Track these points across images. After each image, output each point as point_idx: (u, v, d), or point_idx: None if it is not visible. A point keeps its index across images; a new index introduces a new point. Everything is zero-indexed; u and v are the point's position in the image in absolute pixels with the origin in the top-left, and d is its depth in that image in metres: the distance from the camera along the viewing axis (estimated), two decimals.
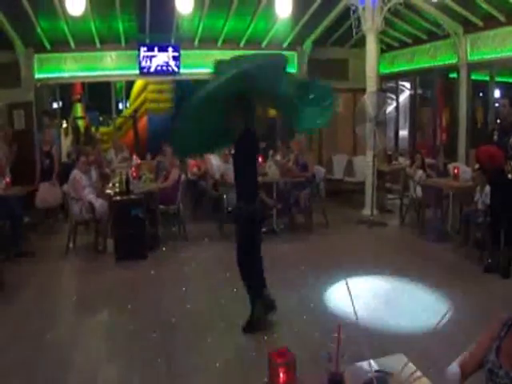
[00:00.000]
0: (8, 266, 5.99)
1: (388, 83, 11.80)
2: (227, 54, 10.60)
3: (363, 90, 8.70)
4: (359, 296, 4.09)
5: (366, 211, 8.61)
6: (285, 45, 11.19)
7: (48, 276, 6.07)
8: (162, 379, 3.65)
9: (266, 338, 4.20)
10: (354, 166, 10.53)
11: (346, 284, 1.76)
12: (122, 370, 3.85)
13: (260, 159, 9.12)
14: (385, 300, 4.92)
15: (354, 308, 1.68)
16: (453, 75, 9.76)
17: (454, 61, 9.37)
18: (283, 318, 4.60)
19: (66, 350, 4.08)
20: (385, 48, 11.17)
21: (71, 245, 7.02)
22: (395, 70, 11.27)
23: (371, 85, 8.53)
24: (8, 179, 7.20)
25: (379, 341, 3.34)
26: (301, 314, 4.72)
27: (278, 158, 8.77)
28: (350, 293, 1.73)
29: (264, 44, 10.99)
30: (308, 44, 11.13)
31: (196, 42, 10.43)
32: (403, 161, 9.95)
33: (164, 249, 7.04)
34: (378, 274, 5.69)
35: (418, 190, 7.80)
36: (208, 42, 10.44)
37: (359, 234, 7.80)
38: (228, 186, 7.46)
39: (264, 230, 7.63)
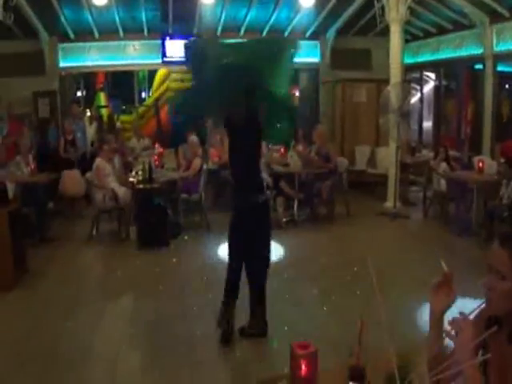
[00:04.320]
0: (33, 252, 6.08)
1: (412, 74, 11.63)
2: None
3: (387, 81, 8.59)
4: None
5: (389, 203, 8.53)
6: (308, 34, 11.11)
7: (71, 262, 6.17)
8: (183, 367, 3.68)
9: (286, 328, 4.21)
10: (376, 157, 10.42)
11: (372, 275, 1.74)
12: (142, 357, 3.90)
13: (282, 150, 9.12)
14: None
15: (378, 299, 1.67)
16: (478, 66, 9.56)
17: (479, 51, 9.16)
18: (304, 310, 4.61)
19: (88, 337, 4.14)
20: (409, 38, 10.98)
21: (94, 232, 7.10)
22: (420, 60, 11.11)
23: (395, 75, 8.41)
24: (33, 166, 7.32)
25: (401, 334, 3.32)
26: (321, 305, 4.71)
27: (300, 148, 8.72)
28: (374, 283, 1.71)
29: (287, 33, 10.92)
30: (331, 33, 11.03)
31: (218, 32, 10.41)
32: (427, 153, 9.82)
33: (186, 237, 7.08)
34: (399, 267, 5.66)
35: (442, 182, 7.69)
36: (230, 31, 10.41)
37: (381, 226, 7.73)
38: None
39: (285, 219, 7.71)
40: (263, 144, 9.44)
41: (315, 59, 11.52)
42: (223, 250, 6.45)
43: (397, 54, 8.48)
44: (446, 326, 1.52)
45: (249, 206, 3.92)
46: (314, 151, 8.12)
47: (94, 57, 10.47)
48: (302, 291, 5.13)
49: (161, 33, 10.37)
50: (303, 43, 11.19)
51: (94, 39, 10.24)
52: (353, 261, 5.74)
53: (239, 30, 10.55)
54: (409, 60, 10.94)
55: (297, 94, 12.33)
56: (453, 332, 1.47)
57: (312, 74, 11.92)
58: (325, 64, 11.40)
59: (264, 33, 10.64)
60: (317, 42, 11.38)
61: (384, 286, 1.73)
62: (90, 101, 13.21)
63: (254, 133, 3.89)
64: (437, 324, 1.64)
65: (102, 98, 13.93)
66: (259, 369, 3.60)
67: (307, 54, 11.29)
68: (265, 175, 7.58)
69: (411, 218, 8.14)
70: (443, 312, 1.64)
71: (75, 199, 8.33)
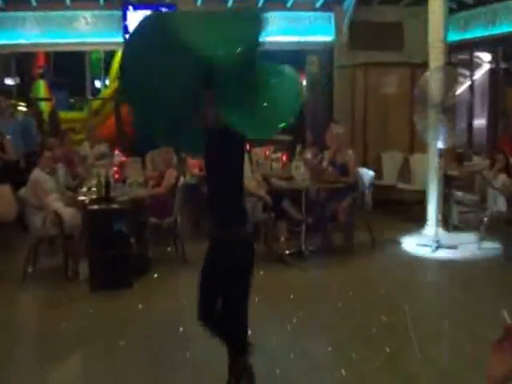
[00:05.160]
0: None
1: (459, 55, 11.78)
2: None
3: (424, 65, 8.69)
4: None
5: (429, 229, 8.56)
6: (318, 4, 11.24)
7: None
8: None
9: None
10: (411, 167, 10.49)
11: None
12: None
13: (284, 158, 9.20)
14: None
15: None
16: None
17: None
18: (314, 372, 4.63)
19: None
20: (455, 7, 11.13)
21: (30, 269, 7.05)
22: (469, 36, 11.23)
23: (436, 57, 8.50)
24: None
25: None
26: (337, 366, 4.74)
27: (309, 156, 8.79)
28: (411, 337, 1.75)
29: (290, 3, 11.05)
30: (349, 2, 11.14)
31: (199, 1, 10.52)
32: (479, 161, 9.87)
33: (156, 275, 7.07)
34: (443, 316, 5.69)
35: (501, 200, 7.73)
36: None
37: (419, 262, 7.75)
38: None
39: (289, 251, 7.74)
40: (260, 149, 9.60)
41: (328, 37, 11.65)
42: None
43: (438, 28, 8.58)
44: None
45: (222, 241, 3.89)
46: (326, 160, 8.17)
47: (31, 32, 10.52)
48: (313, 346, 5.14)
49: (121, 0, 10.47)
50: (312, 15, 11.40)
51: (30, 8, 10.30)
52: (379, 307, 5.74)
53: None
54: (454, 36, 11.07)
55: (303, 83, 12.44)
56: None
57: (324, 56, 12.03)
58: (341, 43, 11.52)
59: (260, 3, 10.77)
60: (330, 14, 11.51)
61: (422, 342, 1.77)
62: (24, 91, 13.25)
63: (229, 144, 3.77)
64: None
65: (42, 88, 13.99)
66: None
67: (317, 31, 11.44)
68: (261, 192, 7.68)
69: (459, 248, 8.17)
70: (507, 378, 1.67)
71: (3, 224, 8.32)
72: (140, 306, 6.10)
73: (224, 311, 4.04)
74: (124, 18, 10.41)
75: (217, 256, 3.96)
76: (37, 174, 7.15)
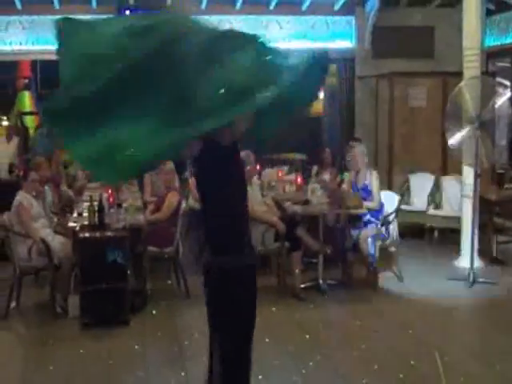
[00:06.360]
0: None
1: (498, 62, 11.79)
2: (250, 21, 10.92)
3: (458, 75, 8.72)
4: None
5: (464, 261, 8.53)
6: (337, 7, 11.31)
7: None
8: None
9: None
10: (443, 191, 10.48)
11: None
12: None
13: (298, 179, 9.22)
14: None
15: None
16: None
17: None
18: None
19: None
20: (493, 7, 11.17)
21: (13, 304, 7.05)
22: (510, 41, 11.22)
23: (472, 66, 8.52)
24: None
25: None
26: None
27: (327, 177, 8.82)
28: None
29: (305, 6, 11.12)
30: (373, 3, 11.18)
31: (204, 4, 10.64)
32: None
33: (154, 311, 7.07)
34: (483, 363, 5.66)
35: None
36: (222, 3, 10.66)
37: (452, 298, 7.68)
38: (251, 220, 7.52)
39: (304, 285, 7.74)
40: (272, 170, 9.61)
41: (348, 43, 11.75)
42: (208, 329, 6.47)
43: (474, 32, 8.59)
44: None
45: (214, 269, 3.84)
46: (347, 182, 8.20)
47: (16, 37, 10.65)
48: None
49: (117, 3, 10.60)
50: (330, 20, 11.49)
51: (15, 11, 10.42)
52: (408, 352, 5.71)
53: (234, 1, 10.77)
54: (493, 42, 11.12)
55: (321, 96, 12.45)
56: None
57: (344, 65, 12.09)
58: (363, 50, 11.58)
59: (271, 6, 10.85)
60: (351, 18, 11.60)
61: None
62: (7, 104, 13.39)
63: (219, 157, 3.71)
64: None
65: (28, 101, 14.12)
66: None
67: (336, 37, 11.52)
68: (273, 218, 7.69)
69: (499, 283, 8.13)
70: None
71: None
72: (136, 346, 6.09)
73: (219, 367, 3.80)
74: None
75: (209, 289, 3.87)
76: (22, 197, 7.14)
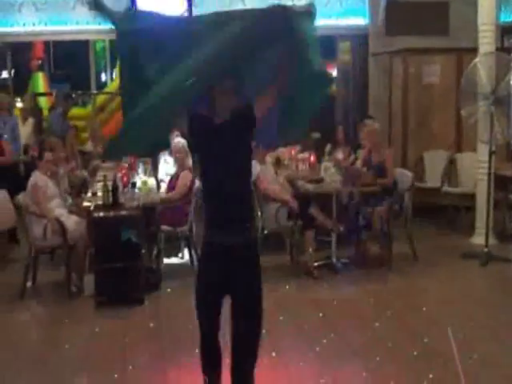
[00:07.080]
0: None
1: None
2: None
3: (473, 51, 8.64)
4: None
5: (478, 239, 8.52)
6: None
7: None
8: None
9: None
10: (457, 168, 10.43)
11: None
12: None
13: (311, 158, 9.20)
14: None
15: None
16: None
17: None
18: None
19: None
20: None
21: (29, 284, 7.12)
22: None
23: (487, 41, 8.44)
24: None
25: None
26: None
27: (340, 156, 8.79)
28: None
29: None
30: None
31: None
32: None
33: (169, 290, 7.12)
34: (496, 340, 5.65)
35: None
36: None
37: (466, 275, 7.68)
38: (264, 198, 7.53)
39: (318, 263, 7.75)
40: (285, 149, 9.58)
41: (361, 20, 11.65)
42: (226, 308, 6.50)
43: (489, 8, 8.49)
44: None
45: (230, 245, 3.79)
46: (360, 160, 8.17)
47: (29, 19, 10.64)
48: (344, 371, 5.11)
49: None
50: None
51: None
52: (421, 327, 5.72)
53: None
54: (508, 17, 11.01)
55: (334, 73, 12.41)
56: None
57: (357, 42, 12.05)
58: (376, 27, 11.50)
59: None
60: None
61: (470, 368, 1.79)
62: (21, 86, 13.42)
63: (246, 131, 3.78)
64: None
65: (41, 82, 14.15)
66: None
67: (349, 13, 11.42)
68: (286, 196, 7.68)
69: None
70: None
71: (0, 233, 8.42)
72: (151, 324, 6.13)
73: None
74: (133, 1, 10.43)
75: (216, 261, 3.85)
76: (37, 177, 7.17)
